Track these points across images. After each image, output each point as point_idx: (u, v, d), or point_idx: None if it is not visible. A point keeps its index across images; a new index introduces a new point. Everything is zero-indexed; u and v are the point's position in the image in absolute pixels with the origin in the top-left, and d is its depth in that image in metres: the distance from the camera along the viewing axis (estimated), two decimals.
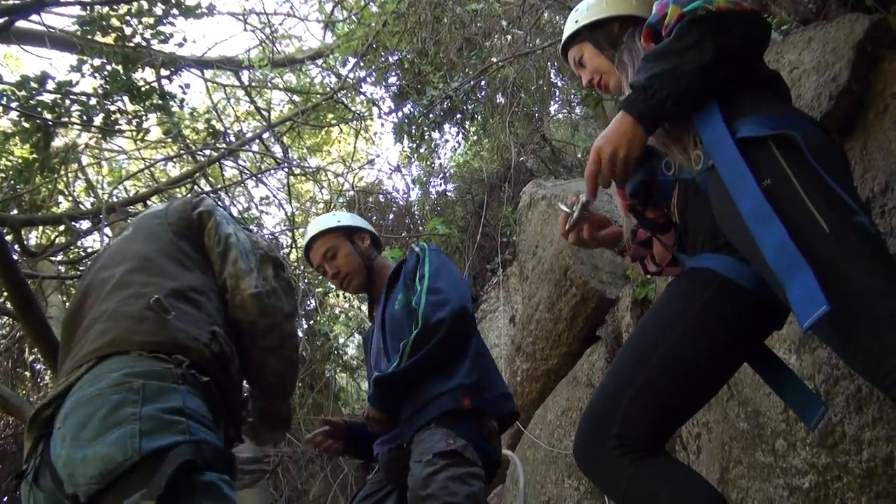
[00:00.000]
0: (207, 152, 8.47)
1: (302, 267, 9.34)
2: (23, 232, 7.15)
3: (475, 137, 9.80)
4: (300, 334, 8.84)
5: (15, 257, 6.77)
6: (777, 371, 2.06)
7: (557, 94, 9.71)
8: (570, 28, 2.53)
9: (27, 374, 8.95)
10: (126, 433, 1.79)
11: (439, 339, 2.99)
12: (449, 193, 9.96)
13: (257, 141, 9.26)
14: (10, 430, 7.80)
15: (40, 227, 7.88)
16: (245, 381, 2.45)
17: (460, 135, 9.51)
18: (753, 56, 2.02)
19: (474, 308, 3.69)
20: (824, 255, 1.61)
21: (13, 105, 6.94)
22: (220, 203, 8.90)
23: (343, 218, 3.55)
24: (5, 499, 7.55)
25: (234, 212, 9.35)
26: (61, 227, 7.62)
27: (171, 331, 2.08)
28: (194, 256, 2.40)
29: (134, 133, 8.15)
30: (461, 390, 2.98)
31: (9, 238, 7.00)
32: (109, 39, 7.51)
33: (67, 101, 7.20)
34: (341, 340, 9.62)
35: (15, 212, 7.53)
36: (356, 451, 3.41)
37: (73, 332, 2.17)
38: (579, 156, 8.63)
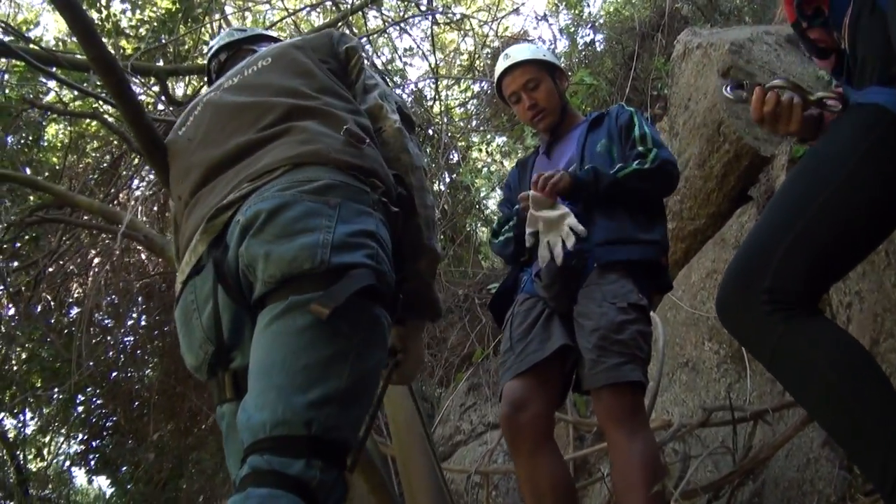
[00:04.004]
0: (350, 0, 8.35)
1: (445, 119, 9.25)
2: (169, 82, 7.28)
3: None
4: (442, 188, 8.85)
5: (160, 107, 6.98)
6: None
7: None
8: None
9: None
10: (318, 241, 1.74)
11: (668, 174, 3.04)
12: (598, 44, 9.57)
13: None
14: (160, 268, 8.20)
15: (186, 78, 8.02)
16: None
17: None
18: None
19: None
20: None
21: None
22: (363, 54, 8.86)
23: (547, 53, 3.47)
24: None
25: (378, 63, 9.29)
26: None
27: (368, 160, 2.02)
28: (347, 95, 2.28)
29: None
30: (661, 246, 3.04)
31: (155, 89, 7.18)
32: None
33: None
34: (482, 194, 9.57)
35: (160, 63, 7.66)
36: (498, 307, 3.31)
37: (219, 154, 2.09)
38: (737, 1, 8.07)
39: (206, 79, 3.08)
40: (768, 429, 3.36)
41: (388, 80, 8.79)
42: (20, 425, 9.56)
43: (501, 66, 3.37)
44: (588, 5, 9.71)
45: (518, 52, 3.38)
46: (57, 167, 8.25)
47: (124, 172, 8.10)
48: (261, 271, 1.75)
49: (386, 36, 9.56)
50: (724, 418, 3.49)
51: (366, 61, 2.41)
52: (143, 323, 8.94)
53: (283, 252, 1.73)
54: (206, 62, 2.92)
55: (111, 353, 8.63)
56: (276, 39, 2.86)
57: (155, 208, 7.79)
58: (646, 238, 2.97)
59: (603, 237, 2.93)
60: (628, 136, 3.14)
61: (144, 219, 7.42)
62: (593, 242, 2.92)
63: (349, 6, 8.31)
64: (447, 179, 9.15)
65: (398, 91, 8.96)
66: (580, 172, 2.99)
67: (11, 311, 8.34)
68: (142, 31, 7.84)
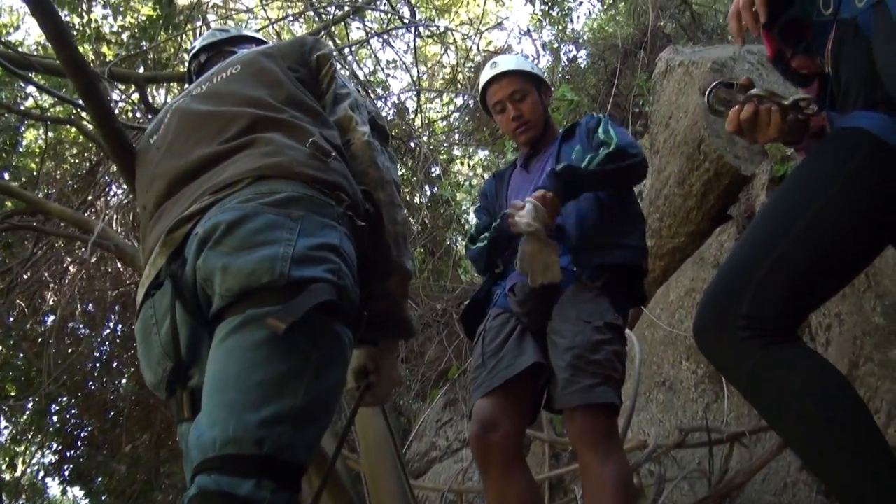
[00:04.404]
0: (333, 10, 8.32)
1: (428, 133, 9.21)
2: (149, 89, 7.21)
3: (611, 0, 9.34)
4: (423, 201, 8.81)
5: (138, 114, 6.91)
6: None
7: None
8: None
9: None
10: (278, 254, 1.68)
11: (630, 165, 2.94)
12: (581, 60, 9.58)
13: (384, 0, 9.04)
14: (136, 277, 8.12)
15: (166, 85, 7.96)
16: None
17: None
18: None
19: None
20: None
21: None
22: (345, 65, 8.83)
23: (535, 67, 3.46)
24: None
25: (360, 75, 9.25)
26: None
27: (334, 174, 1.95)
28: (316, 106, 2.22)
29: None
30: (642, 251, 3.00)
31: (135, 96, 7.12)
32: None
33: None
34: (463, 208, 9.53)
35: (141, 70, 7.57)
36: (470, 320, 3.26)
37: (183, 165, 2.03)
38: (721, 20, 8.08)
39: (186, 83, 3.01)
40: (745, 451, 3.33)
41: (368, 90, 8.78)
42: None
43: (488, 74, 3.32)
44: (572, 21, 9.71)
45: (506, 62, 3.35)
46: (35, 173, 8.17)
47: (102, 179, 8.03)
48: (218, 285, 1.69)
49: (368, 47, 9.53)
50: (701, 439, 3.46)
51: (339, 70, 2.35)
52: (118, 332, 8.85)
53: (242, 265, 1.67)
54: (186, 66, 2.87)
55: (87, 363, 8.54)
56: (259, 40, 2.80)
57: (130, 216, 7.71)
58: (628, 243, 2.94)
59: (585, 242, 2.90)
60: (592, 135, 3.11)
61: (119, 227, 7.35)
62: (576, 246, 2.88)
63: (331, 16, 8.28)
64: (428, 193, 9.10)
65: (380, 103, 8.93)
66: (552, 185, 2.89)
67: None
68: (123, 37, 7.77)
